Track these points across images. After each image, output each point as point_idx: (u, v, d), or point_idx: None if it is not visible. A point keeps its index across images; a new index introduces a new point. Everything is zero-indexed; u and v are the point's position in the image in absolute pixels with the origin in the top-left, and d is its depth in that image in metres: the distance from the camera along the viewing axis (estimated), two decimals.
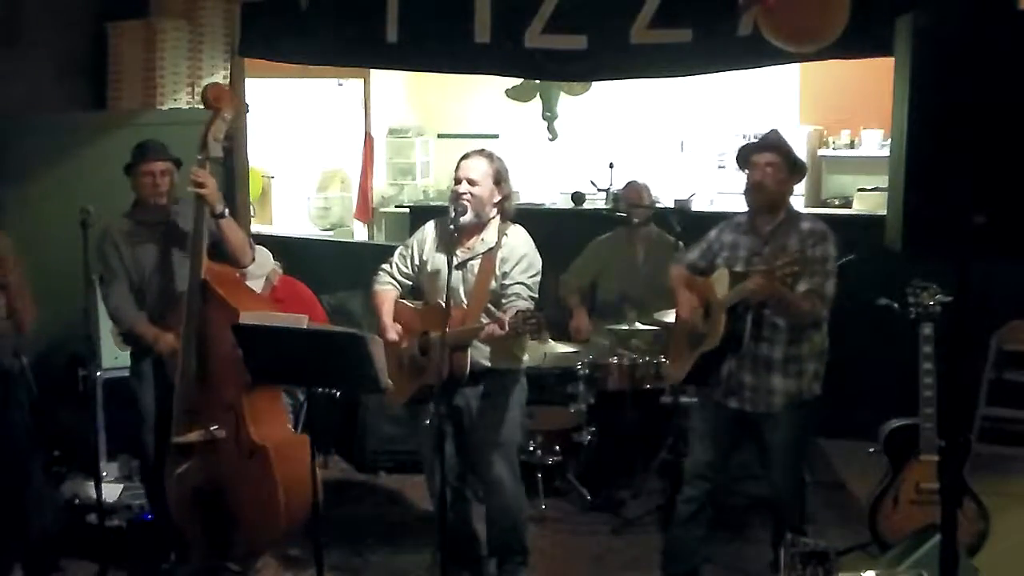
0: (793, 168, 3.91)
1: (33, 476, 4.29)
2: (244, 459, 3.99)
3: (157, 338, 4.14)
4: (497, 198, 4.00)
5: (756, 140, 4.02)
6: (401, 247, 4.25)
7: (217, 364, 3.99)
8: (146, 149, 4.22)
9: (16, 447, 4.15)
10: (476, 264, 3.99)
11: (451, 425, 4.02)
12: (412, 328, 4.05)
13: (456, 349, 3.86)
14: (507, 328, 3.67)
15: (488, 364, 4.00)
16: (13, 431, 4.14)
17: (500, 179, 4.00)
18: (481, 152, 4.04)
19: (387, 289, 4.17)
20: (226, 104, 4.17)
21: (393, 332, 4.03)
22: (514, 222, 4.08)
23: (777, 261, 3.57)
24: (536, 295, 4.01)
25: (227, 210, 4.20)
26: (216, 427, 4.01)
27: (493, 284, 3.97)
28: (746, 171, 3.93)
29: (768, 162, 3.85)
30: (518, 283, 3.95)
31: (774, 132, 4.00)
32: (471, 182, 3.94)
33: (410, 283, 4.19)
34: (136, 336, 4.25)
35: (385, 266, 4.21)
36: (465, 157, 4.01)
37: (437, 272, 4.01)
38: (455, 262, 3.92)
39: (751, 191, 3.90)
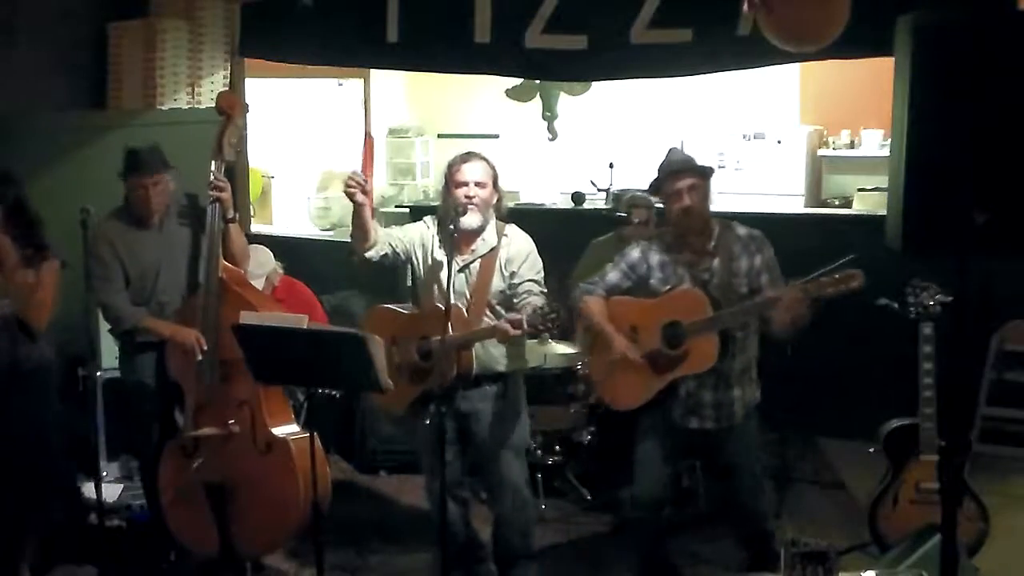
0: (706, 177, 3.88)
1: (61, 467, 4.33)
2: (261, 454, 4.04)
3: (175, 333, 4.15)
4: (495, 199, 4.01)
5: (666, 168, 3.90)
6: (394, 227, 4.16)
7: (234, 361, 3.99)
8: (138, 161, 4.23)
9: (49, 439, 4.19)
10: (476, 265, 3.98)
11: (455, 431, 4.01)
12: (408, 334, 4.00)
13: (463, 348, 3.86)
14: (525, 327, 3.68)
15: (502, 369, 4.01)
16: (47, 424, 4.17)
17: (496, 180, 4.01)
18: (476, 155, 4.02)
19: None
20: (238, 111, 4.34)
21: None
22: (506, 221, 4.08)
23: (824, 279, 3.57)
24: (545, 290, 4.02)
25: (237, 215, 4.32)
26: (232, 422, 4.05)
27: (501, 284, 3.96)
28: (666, 199, 3.88)
29: (689, 185, 3.79)
30: (528, 280, 3.96)
31: (676, 151, 3.99)
32: (479, 184, 3.93)
33: (395, 253, 4.04)
34: (141, 332, 4.24)
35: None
36: (464, 161, 3.98)
37: (440, 273, 3.96)
38: (459, 266, 3.93)
39: (682, 218, 3.82)
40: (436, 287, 3.97)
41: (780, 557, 3.69)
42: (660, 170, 3.91)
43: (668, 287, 3.86)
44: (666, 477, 4.00)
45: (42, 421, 4.17)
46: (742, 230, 3.88)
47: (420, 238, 4.07)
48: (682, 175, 3.81)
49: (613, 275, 4.01)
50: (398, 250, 4.04)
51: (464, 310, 3.91)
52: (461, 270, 3.95)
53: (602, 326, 3.97)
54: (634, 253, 3.99)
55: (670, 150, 4.02)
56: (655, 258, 3.92)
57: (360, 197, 3.87)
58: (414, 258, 4.07)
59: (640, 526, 4.09)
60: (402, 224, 4.32)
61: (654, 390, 3.88)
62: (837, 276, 3.58)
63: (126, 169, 4.25)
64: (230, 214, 4.23)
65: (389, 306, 4.16)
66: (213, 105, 4.47)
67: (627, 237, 5.57)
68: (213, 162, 4.20)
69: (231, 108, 4.29)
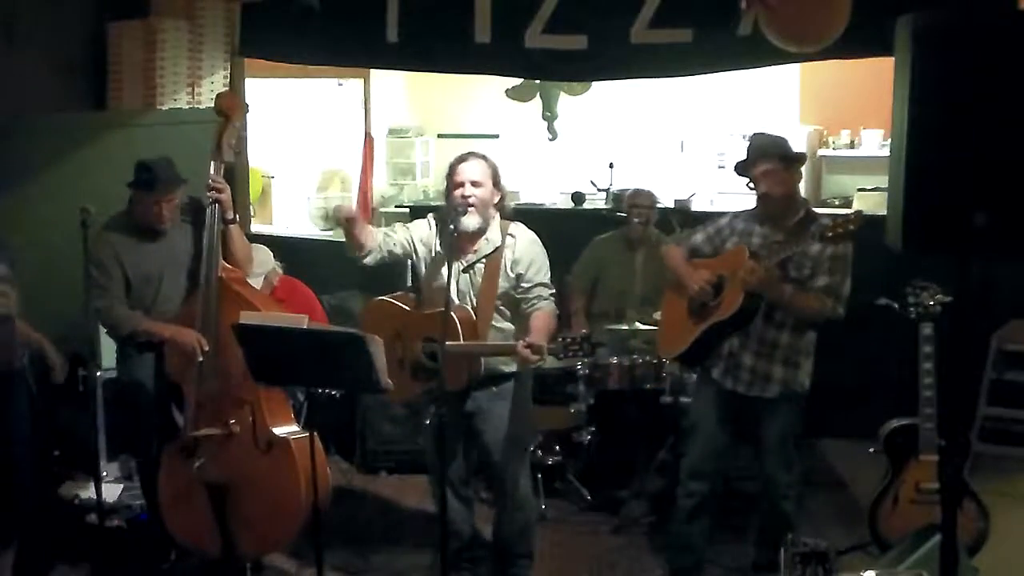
0: (790, 162, 3.92)
1: (29, 475, 4.30)
2: (262, 453, 4.03)
3: (175, 334, 4.14)
4: (496, 198, 3.99)
5: (748, 153, 3.97)
6: (397, 224, 4.17)
7: (234, 361, 3.97)
8: (154, 179, 4.14)
9: (17, 445, 4.16)
10: (482, 266, 3.97)
11: (460, 430, 4.00)
12: (413, 332, 3.98)
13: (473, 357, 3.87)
14: (545, 355, 3.72)
15: (507, 370, 4.00)
16: (14, 430, 4.14)
17: (497, 179, 3.99)
18: (475, 154, 4.00)
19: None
20: (238, 112, 4.33)
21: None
22: (511, 220, 4.07)
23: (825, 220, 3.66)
24: (554, 290, 4.02)
25: (237, 217, 4.29)
26: (232, 422, 4.05)
27: (506, 285, 3.95)
28: (748, 183, 3.96)
29: (765, 171, 3.86)
30: (538, 284, 3.96)
31: (760, 136, 3.99)
32: (475, 184, 3.90)
33: (394, 255, 4.05)
34: (140, 335, 4.24)
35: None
36: (461, 161, 3.96)
37: (442, 274, 3.90)
38: (463, 266, 3.92)
39: (761, 202, 3.94)
40: (439, 283, 3.93)
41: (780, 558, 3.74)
42: (747, 152, 3.99)
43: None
44: (720, 445, 4.06)
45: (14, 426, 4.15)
46: (827, 220, 3.94)
47: (422, 236, 4.06)
48: (760, 162, 3.89)
49: (699, 237, 4.15)
50: (396, 251, 4.03)
51: (471, 312, 3.90)
52: (465, 270, 3.94)
53: (678, 267, 4.11)
54: (723, 219, 4.12)
55: (755, 134, 4.06)
56: (740, 225, 4.03)
57: (346, 216, 3.95)
58: (415, 256, 4.06)
59: (688, 497, 4.08)
60: (404, 223, 4.31)
61: (693, 336, 4.00)
62: (835, 220, 3.64)
63: (139, 184, 4.17)
64: (230, 215, 4.20)
65: (390, 300, 4.14)
66: (213, 105, 4.46)
67: (633, 236, 5.60)
68: (212, 163, 4.19)
69: (230, 109, 4.27)
